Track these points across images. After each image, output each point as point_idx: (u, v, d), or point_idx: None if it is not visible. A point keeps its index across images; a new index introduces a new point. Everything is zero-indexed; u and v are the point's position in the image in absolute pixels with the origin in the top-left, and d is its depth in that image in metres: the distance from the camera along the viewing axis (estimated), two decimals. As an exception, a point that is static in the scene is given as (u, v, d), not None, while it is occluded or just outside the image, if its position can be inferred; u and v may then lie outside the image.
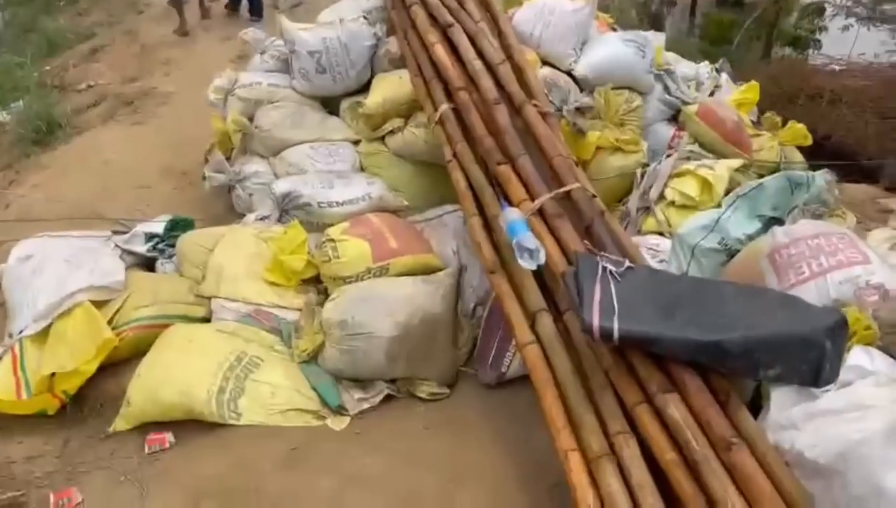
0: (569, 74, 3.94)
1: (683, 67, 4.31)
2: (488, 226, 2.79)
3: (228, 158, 4.09)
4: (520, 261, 2.41)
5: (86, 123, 5.77)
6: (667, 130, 4.09)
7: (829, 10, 13.86)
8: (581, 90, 3.89)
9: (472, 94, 3.21)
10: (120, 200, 4.27)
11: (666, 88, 4.10)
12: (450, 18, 3.60)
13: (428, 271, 3.10)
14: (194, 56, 6.87)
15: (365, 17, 4.13)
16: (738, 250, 2.78)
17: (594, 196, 2.65)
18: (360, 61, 4.06)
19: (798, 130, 4.18)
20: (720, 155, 3.88)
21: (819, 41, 13.48)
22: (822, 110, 7.47)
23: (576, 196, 2.59)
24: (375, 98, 3.72)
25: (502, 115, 2.98)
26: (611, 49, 3.96)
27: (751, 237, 2.79)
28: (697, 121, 3.96)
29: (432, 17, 3.71)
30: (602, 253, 2.24)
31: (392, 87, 3.75)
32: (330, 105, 4.24)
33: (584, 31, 4.00)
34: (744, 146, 4.00)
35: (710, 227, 2.88)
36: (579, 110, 3.62)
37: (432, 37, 3.55)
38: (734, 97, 4.50)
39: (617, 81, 3.92)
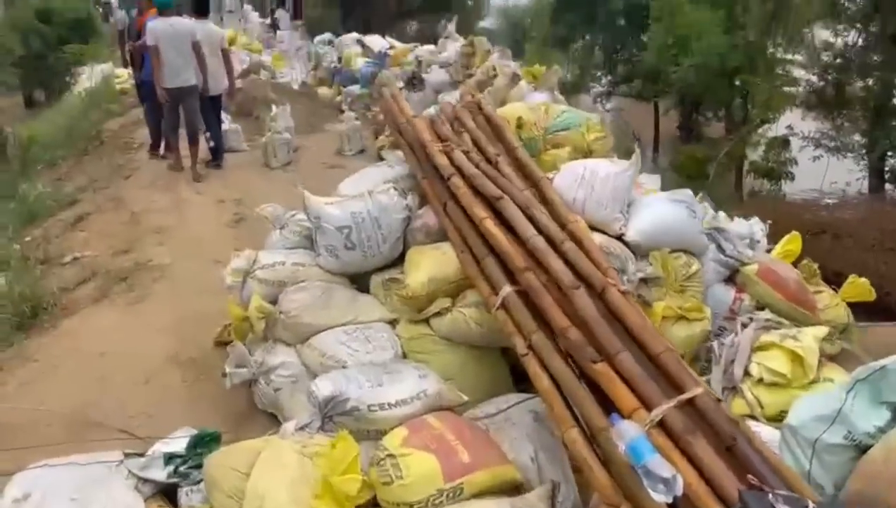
0: (618, 238, 3.64)
1: (733, 223, 4.05)
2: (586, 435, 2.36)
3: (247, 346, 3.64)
4: (651, 492, 1.96)
5: (75, 302, 5.29)
6: (726, 293, 3.77)
7: (795, 142, 14.34)
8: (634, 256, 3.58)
9: (539, 274, 2.86)
10: (122, 400, 3.74)
11: (720, 248, 3.81)
12: (496, 190, 3.30)
13: (507, 487, 2.61)
14: (188, 223, 6.52)
15: (394, 188, 3.83)
16: (870, 445, 2.38)
17: (719, 400, 2.24)
18: (392, 235, 3.71)
19: (862, 286, 3.89)
20: (786, 317, 3.55)
21: (792, 173, 13.86)
22: (828, 246, 7.45)
23: (701, 404, 2.17)
24: (419, 277, 3.34)
25: (585, 301, 2.60)
26: (660, 210, 3.69)
27: (882, 430, 2.39)
28: (759, 282, 3.66)
29: (474, 189, 3.42)
30: (774, 490, 1.80)
31: (436, 264, 3.38)
32: (359, 281, 3.86)
33: (629, 192, 3.74)
34: (809, 306, 3.68)
35: (831, 418, 2.47)
36: (644, 281, 3.28)
37: (480, 211, 3.23)
38: (777, 251, 4.25)
39: (671, 244, 3.62)
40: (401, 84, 9.99)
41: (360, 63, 11.40)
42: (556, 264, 2.77)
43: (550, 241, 2.96)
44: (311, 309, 3.54)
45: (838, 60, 15.33)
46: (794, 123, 14.72)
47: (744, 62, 14.57)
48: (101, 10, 25.79)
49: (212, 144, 8.01)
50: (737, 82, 15.31)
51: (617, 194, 3.67)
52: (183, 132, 7.76)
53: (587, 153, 4.07)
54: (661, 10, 16.25)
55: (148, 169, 8.33)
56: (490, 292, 2.97)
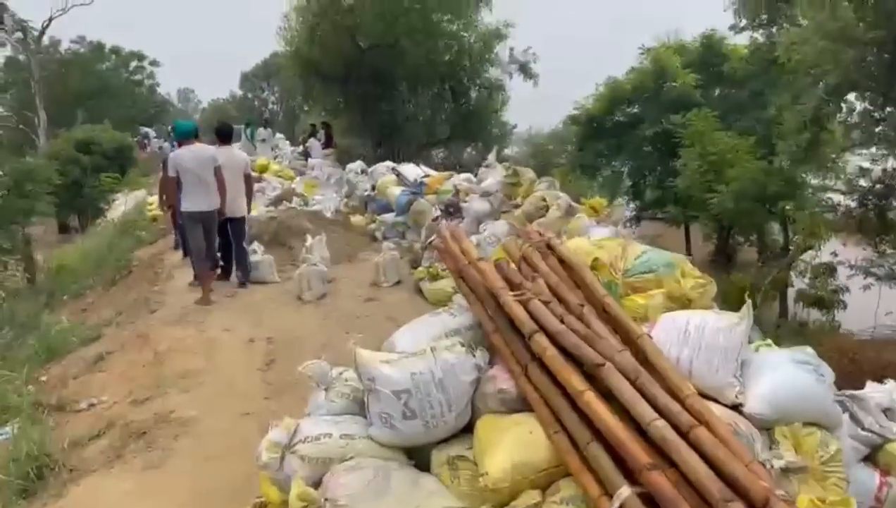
0: (734, 408, 2.98)
1: (868, 388, 3.36)
2: None
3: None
4: None
5: (86, 462, 4.64)
6: (869, 478, 3.05)
7: (843, 270, 13.72)
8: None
9: (666, 472, 2.20)
10: None
11: (855, 420, 3.12)
12: (594, 355, 2.69)
13: None
14: (215, 366, 5.94)
15: (461, 343, 3.23)
16: None
17: None
18: (459, 402, 3.08)
19: None
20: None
21: (844, 302, 13.16)
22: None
23: None
24: (501, 463, 2.68)
25: (743, 520, 1.94)
26: (784, 376, 3.03)
27: None
28: (910, 463, 2.94)
29: (563, 349, 2.81)
30: None
31: (521, 445, 2.72)
32: (417, 455, 3.20)
33: (742, 351, 3.11)
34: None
35: None
36: (785, 471, 2.59)
37: (576, 381, 2.62)
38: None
39: (800, 417, 2.94)
40: (437, 213, 9.63)
41: (395, 191, 11.12)
42: (696, 465, 2.12)
43: (675, 426, 2.32)
44: (363, 497, 2.86)
45: (878, 186, 14.91)
46: (837, 249, 14.14)
47: (782, 188, 14.18)
48: (137, 139, 26.39)
49: (236, 269, 8.25)
50: (773, 209, 14.85)
51: (729, 355, 3.04)
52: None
53: (685, 302, 3.47)
54: (692, 137, 16.07)
55: (175, 302, 7.84)
56: (600, 492, 2.31)
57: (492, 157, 9.05)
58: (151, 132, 34.83)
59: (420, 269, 7.96)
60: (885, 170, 14.95)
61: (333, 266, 8.78)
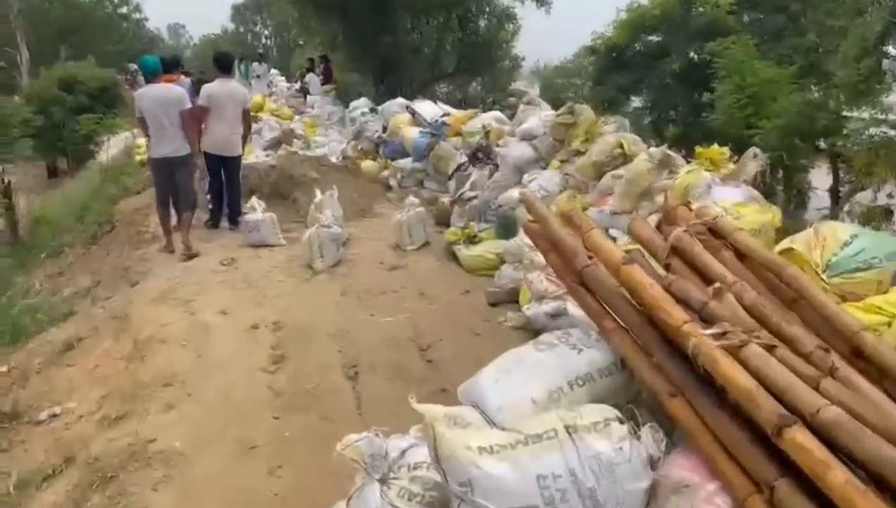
0: None
1: None
2: None
3: None
4: None
5: (34, 520, 3.35)
6: None
7: (901, 214, 12.44)
8: None
9: None
10: None
11: None
12: None
13: None
14: (209, 364, 4.60)
15: (618, 419, 1.87)
16: None
17: None
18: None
19: None
20: None
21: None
22: None
23: None
24: None
25: None
26: None
27: None
28: None
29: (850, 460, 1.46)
30: None
31: None
32: None
33: None
34: None
35: None
36: None
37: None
38: None
39: None
40: (463, 159, 8.16)
41: (411, 133, 9.61)
42: None
43: None
44: None
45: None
46: (893, 191, 12.74)
47: (833, 122, 12.66)
48: (125, 76, 24.49)
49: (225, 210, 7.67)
50: (822, 146, 13.35)
51: None
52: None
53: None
54: (729, 68, 14.43)
55: (161, 271, 6.46)
56: None
57: (534, 92, 7.52)
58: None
59: (452, 229, 6.57)
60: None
61: (346, 224, 7.37)
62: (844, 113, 13.88)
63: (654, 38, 18.85)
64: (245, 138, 7.64)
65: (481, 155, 8.32)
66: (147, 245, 7.49)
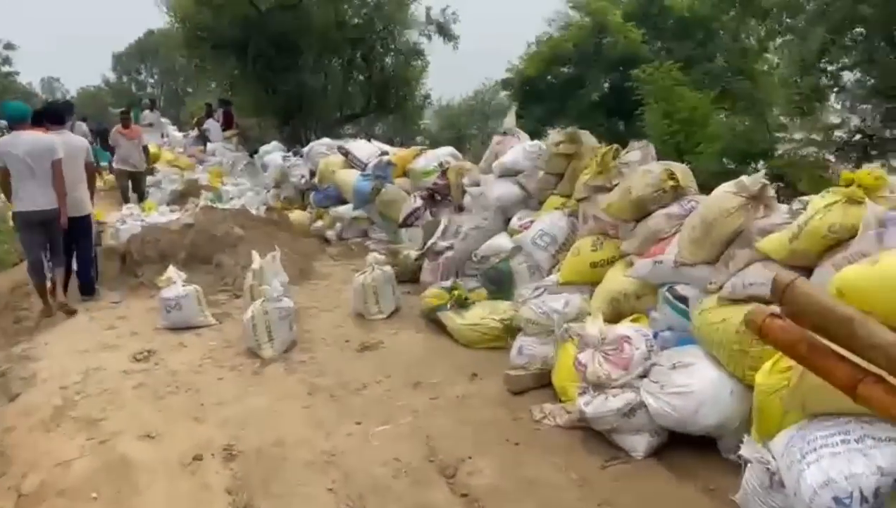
0: None
1: None
2: None
3: None
4: None
5: None
6: None
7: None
8: None
9: None
10: None
11: None
12: None
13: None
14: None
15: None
16: None
17: None
18: None
19: None
20: None
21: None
22: None
23: None
24: None
25: None
26: None
27: None
28: None
29: None
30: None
31: None
32: None
33: None
34: None
35: None
36: None
37: None
38: None
39: None
40: (417, 204, 6.84)
41: (346, 177, 8.22)
42: None
43: None
44: None
45: (857, 137, 13.28)
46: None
47: (770, 144, 12.26)
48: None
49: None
50: (758, 167, 12.94)
51: None
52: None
53: None
54: (656, 94, 13.91)
55: (54, 372, 4.73)
56: None
57: (510, 120, 6.30)
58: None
59: (434, 291, 5.19)
60: (864, 120, 13.34)
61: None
62: (777, 134, 13.63)
63: (567, 69, 18.33)
64: (92, 193, 6.61)
65: (439, 197, 7.04)
66: (29, 337, 5.68)
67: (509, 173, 5.66)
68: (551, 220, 4.97)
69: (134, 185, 10.63)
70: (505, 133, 6.10)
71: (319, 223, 8.59)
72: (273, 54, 16.95)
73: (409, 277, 6.16)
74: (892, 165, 13.02)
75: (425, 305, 5.22)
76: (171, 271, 5.59)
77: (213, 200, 10.22)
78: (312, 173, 9.22)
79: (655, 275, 3.73)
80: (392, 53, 19.69)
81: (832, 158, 13.63)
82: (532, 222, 5.19)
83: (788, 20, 12.58)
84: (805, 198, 3.11)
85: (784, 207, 3.27)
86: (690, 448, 3.29)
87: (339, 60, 19.54)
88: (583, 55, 17.63)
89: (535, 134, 18.43)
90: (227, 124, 17.58)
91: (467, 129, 29.60)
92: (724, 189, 3.36)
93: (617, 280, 4.03)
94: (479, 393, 4.08)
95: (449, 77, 24.14)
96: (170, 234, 6.79)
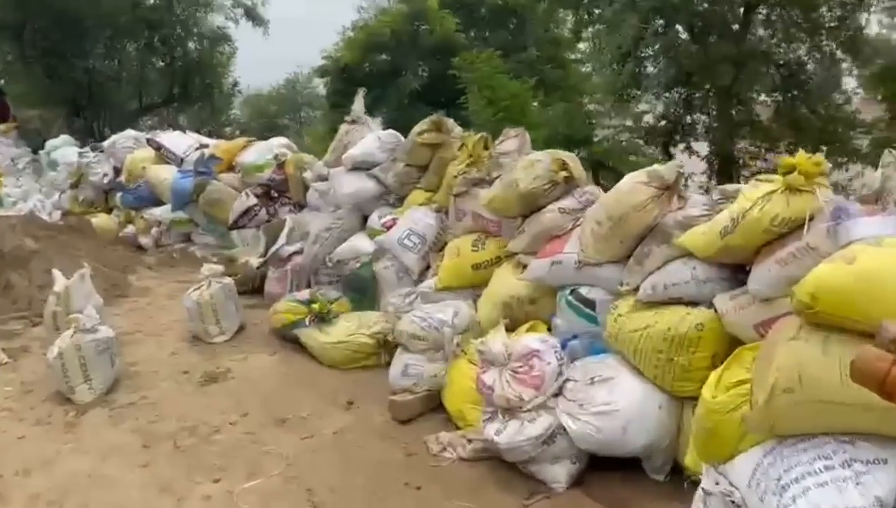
0: None
1: None
2: None
3: None
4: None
5: None
6: None
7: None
8: None
9: None
10: None
11: None
12: None
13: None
14: None
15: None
16: None
17: None
18: None
19: None
20: None
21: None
22: None
23: None
24: None
25: None
26: None
27: None
28: None
29: None
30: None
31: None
32: None
33: None
34: None
35: None
36: None
37: None
38: None
39: None
40: (251, 201, 6.04)
41: (160, 173, 7.13)
42: None
43: None
44: None
45: (662, 123, 14.13)
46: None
47: (589, 130, 12.61)
48: None
49: None
50: (580, 153, 13.30)
51: None
52: None
53: None
54: (478, 83, 13.81)
55: None
56: None
57: (358, 106, 5.63)
58: None
59: (288, 305, 4.46)
60: (668, 106, 14.20)
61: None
62: (592, 122, 14.10)
63: (384, 56, 17.81)
64: None
65: (276, 194, 6.26)
66: None
67: (362, 166, 5.05)
68: (418, 217, 4.44)
69: None
70: (354, 121, 5.45)
71: (130, 228, 7.41)
72: (57, 37, 14.86)
73: (249, 287, 5.36)
74: (693, 149, 14.02)
75: (277, 321, 4.48)
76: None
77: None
78: (117, 171, 7.94)
79: (554, 277, 3.32)
80: (195, 38, 18.08)
81: (641, 141, 14.43)
82: (395, 219, 4.62)
83: (598, 10, 12.95)
84: (729, 187, 2.82)
85: (701, 198, 2.97)
86: (610, 470, 2.93)
87: (134, 45, 17.61)
88: (400, 43, 17.20)
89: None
90: (2, 117, 15.14)
91: (279, 118, 28.25)
92: (635, 179, 3.01)
93: (507, 283, 3.59)
94: (360, 425, 3.47)
95: (258, 65, 22.76)
96: None
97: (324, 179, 5.55)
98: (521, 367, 2.96)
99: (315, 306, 4.27)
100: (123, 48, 17.47)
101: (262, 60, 22.77)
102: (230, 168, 6.77)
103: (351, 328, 4.14)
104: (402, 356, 3.64)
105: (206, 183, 6.53)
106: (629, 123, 13.57)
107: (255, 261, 5.37)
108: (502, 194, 3.66)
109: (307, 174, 5.80)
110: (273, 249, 5.22)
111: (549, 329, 3.38)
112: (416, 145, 4.56)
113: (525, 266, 3.58)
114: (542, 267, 3.36)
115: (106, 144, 8.39)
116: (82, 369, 3.80)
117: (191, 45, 18.13)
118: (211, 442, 3.37)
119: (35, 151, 12.92)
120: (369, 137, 5.12)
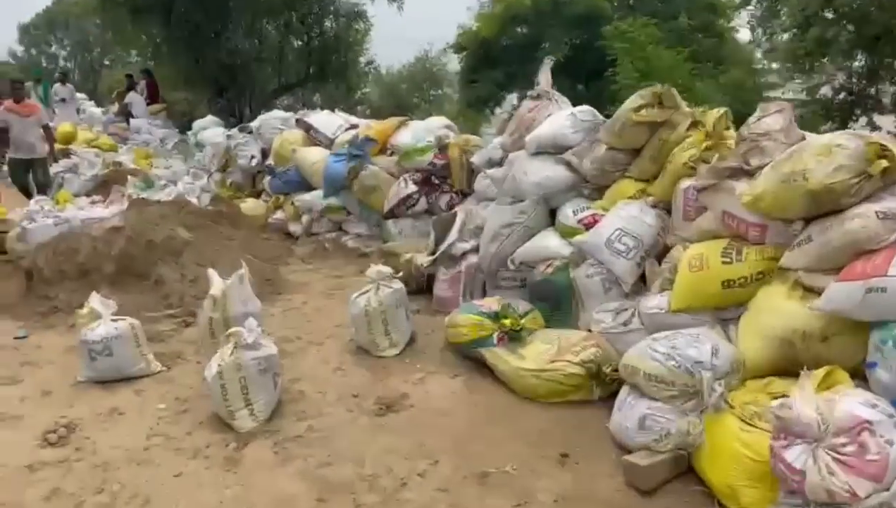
0: None
1: None
2: None
3: None
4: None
5: None
6: None
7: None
8: None
9: None
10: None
11: None
12: None
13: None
14: None
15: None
16: None
17: None
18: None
19: None
20: None
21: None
22: None
23: None
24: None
25: None
26: None
27: None
28: None
29: None
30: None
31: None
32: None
33: None
34: None
35: None
36: None
37: None
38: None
39: None
40: (411, 189, 5.33)
41: (312, 156, 6.60)
42: None
43: None
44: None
45: (842, 95, 12.39)
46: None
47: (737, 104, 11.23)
48: None
49: None
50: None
51: None
52: None
53: None
54: (632, 55, 12.63)
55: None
56: None
57: (544, 78, 4.77)
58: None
59: (467, 317, 3.71)
60: (850, 76, 12.45)
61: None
62: (766, 95, 12.59)
63: (523, 30, 16.84)
64: None
65: (437, 181, 5.54)
66: None
67: (550, 150, 4.20)
68: (631, 215, 3.55)
69: (33, 175, 8.18)
70: (539, 96, 4.59)
71: (279, 215, 6.95)
72: (201, 18, 14.89)
73: (413, 287, 4.66)
74: (877, 124, 12.22)
75: (457, 336, 3.74)
76: (95, 300, 3.92)
77: (142, 187, 8.41)
78: (265, 153, 7.53)
79: (870, 308, 2.35)
80: (332, 16, 17.78)
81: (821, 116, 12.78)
82: (595, 216, 3.76)
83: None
84: None
85: None
86: None
87: (274, 24, 17.53)
88: (540, 14, 16.15)
89: (491, 100, 17.04)
90: (151, 97, 15.46)
91: (410, 97, 27.84)
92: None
93: (784, 311, 2.65)
94: (585, 491, 2.65)
95: (389, 44, 22.32)
96: (92, 241, 5.06)
97: (495, 164, 4.76)
98: (845, 445, 2.05)
99: (506, 321, 3.49)
100: (263, 28, 17.43)
101: (394, 38, 22.33)
102: (381, 151, 6.12)
103: (551, 352, 3.33)
104: (636, 402, 2.78)
105: (361, 167, 5.90)
106: (804, 95, 11.95)
107: (422, 259, 4.67)
108: (776, 190, 2.70)
109: (474, 158, 5.02)
110: (443, 246, 4.49)
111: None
112: (629, 124, 3.65)
113: (806, 288, 2.62)
114: (850, 294, 2.40)
115: (254, 124, 7.99)
116: (243, 391, 3.22)
117: (327, 23, 17.86)
118: (398, 502, 2.67)
119: (182, 132, 13.02)
120: (560, 115, 4.26)
